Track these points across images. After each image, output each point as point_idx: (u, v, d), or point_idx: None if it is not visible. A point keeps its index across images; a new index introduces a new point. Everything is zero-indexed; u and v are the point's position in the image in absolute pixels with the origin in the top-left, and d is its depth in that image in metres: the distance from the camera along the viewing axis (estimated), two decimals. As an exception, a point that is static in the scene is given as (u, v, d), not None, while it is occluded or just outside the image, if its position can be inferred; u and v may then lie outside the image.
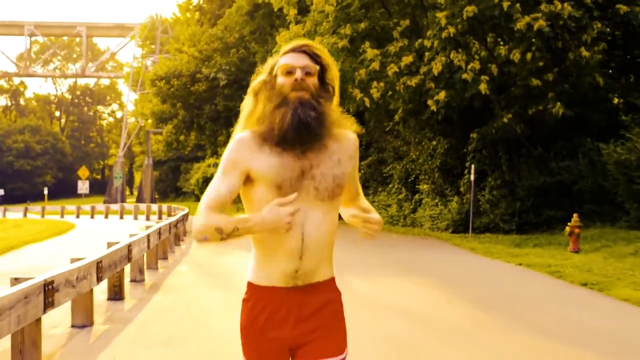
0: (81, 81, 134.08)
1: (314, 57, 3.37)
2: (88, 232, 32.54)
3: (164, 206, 48.80)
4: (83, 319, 9.85)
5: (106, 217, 49.66)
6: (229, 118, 46.94)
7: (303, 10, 33.65)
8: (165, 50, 79.47)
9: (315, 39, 27.71)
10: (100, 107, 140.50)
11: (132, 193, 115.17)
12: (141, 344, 8.90)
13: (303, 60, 3.32)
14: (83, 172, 64.06)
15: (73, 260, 9.49)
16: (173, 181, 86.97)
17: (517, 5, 24.04)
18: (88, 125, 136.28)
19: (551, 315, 10.79)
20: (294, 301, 3.33)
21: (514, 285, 14.16)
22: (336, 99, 3.41)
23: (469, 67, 24.49)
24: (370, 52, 26.11)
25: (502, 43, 25.78)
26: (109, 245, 12.16)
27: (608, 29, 24.96)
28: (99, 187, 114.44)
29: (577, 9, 23.94)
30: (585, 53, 24.35)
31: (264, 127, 3.26)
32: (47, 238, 28.23)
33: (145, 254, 15.14)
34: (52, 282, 7.74)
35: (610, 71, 27.50)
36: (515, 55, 24.40)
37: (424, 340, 9.11)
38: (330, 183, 3.29)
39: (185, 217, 27.49)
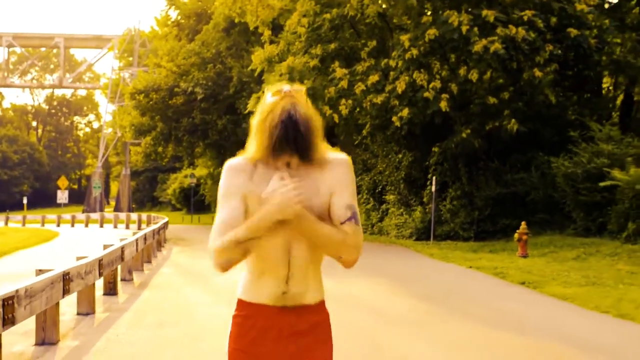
0: (58, 92, 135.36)
1: (293, 91, 3.37)
2: (72, 239, 34.12)
3: (144, 215, 50.33)
4: (87, 308, 11.62)
5: (86, 225, 51.14)
6: (206, 131, 48.68)
7: (277, 28, 35.49)
8: (143, 63, 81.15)
9: (288, 59, 29.64)
10: (77, 118, 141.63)
11: (108, 203, 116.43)
12: (138, 327, 10.68)
13: (286, 88, 3.36)
14: (62, 182, 65.45)
15: (79, 259, 11.23)
16: (150, 191, 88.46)
17: (475, 29, 25.95)
18: (65, 136, 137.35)
19: (489, 308, 12.63)
20: (284, 321, 3.38)
21: (460, 284, 16.06)
22: (320, 132, 3.37)
23: (431, 86, 26.41)
24: (339, 71, 27.92)
25: (461, 64, 27.67)
26: (105, 247, 13.92)
27: (560, 51, 26.93)
28: (76, 197, 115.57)
29: (530, 33, 25.93)
30: (538, 73, 26.35)
31: (256, 149, 3.32)
32: (35, 244, 29.80)
33: (133, 257, 16.85)
34: (68, 274, 9.52)
35: (563, 90, 29.50)
36: (474, 75, 26.35)
37: (375, 325, 10.95)
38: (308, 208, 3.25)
39: (165, 225, 29.18)
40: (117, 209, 79.96)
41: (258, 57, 32.07)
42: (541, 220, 26.31)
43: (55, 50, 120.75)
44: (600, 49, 28.17)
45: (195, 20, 52.71)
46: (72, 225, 51.85)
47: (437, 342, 9.70)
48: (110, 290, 13.86)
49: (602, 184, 22.90)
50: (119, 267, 15.13)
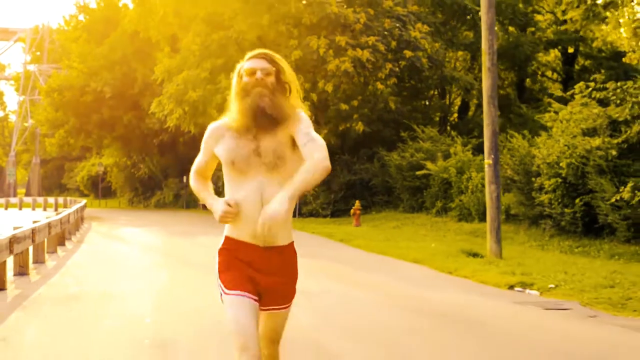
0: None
1: (271, 62, 4.28)
2: (9, 218, 40.21)
3: (60, 199, 56.35)
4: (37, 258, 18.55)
5: (6, 208, 56.65)
6: (113, 125, 55.22)
7: (176, 40, 42.24)
8: (52, 59, 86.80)
9: (184, 72, 36.68)
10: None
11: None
12: (89, 261, 17.70)
13: (262, 64, 4.25)
14: (-25, 170, 70.77)
15: (16, 228, 17.83)
16: (57, 178, 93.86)
17: (330, 51, 33.49)
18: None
19: (318, 254, 19.92)
20: (260, 257, 4.29)
21: (313, 249, 23.42)
22: (295, 93, 4.34)
23: (296, 95, 33.77)
24: (225, 82, 34.87)
25: (320, 78, 35.09)
26: (47, 217, 20.77)
27: (397, 69, 34.67)
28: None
29: (373, 55, 33.57)
30: (380, 86, 34.13)
31: (230, 117, 4.28)
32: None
33: (69, 224, 23.65)
34: (16, 236, 16.46)
35: (401, 99, 37.35)
36: (329, 87, 33.88)
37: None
38: (271, 157, 4.19)
39: (84, 206, 35.77)
40: (27, 194, 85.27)
41: (159, 69, 39.09)
42: (380, 200, 34.17)
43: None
44: (431, 66, 36.06)
45: (102, 25, 58.76)
46: (5, 208, 55.87)
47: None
48: (61, 244, 20.71)
49: (418, 172, 30.66)
50: (64, 229, 21.92)
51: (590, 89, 20.87)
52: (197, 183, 4.49)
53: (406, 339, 8.45)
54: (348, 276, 14.51)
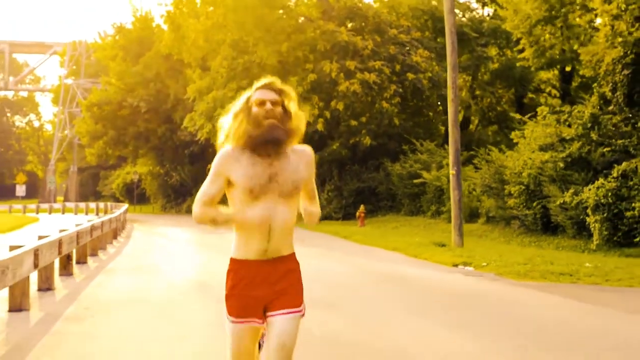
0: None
1: (278, 93, 4.54)
2: (57, 221, 45.20)
3: (101, 204, 61.46)
4: (124, 235, 23.38)
5: (50, 213, 61.73)
6: (148, 137, 60.37)
7: (206, 61, 47.09)
8: (88, 73, 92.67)
9: (213, 92, 41.58)
10: (17, 117, 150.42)
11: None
12: (140, 249, 22.49)
13: (270, 95, 4.49)
14: (21, 177, 76.28)
15: (77, 225, 22.81)
16: (93, 186, 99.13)
17: (341, 74, 38.28)
18: (7, 134, 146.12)
19: (318, 244, 24.56)
20: (265, 270, 4.50)
21: (319, 242, 27.88)
22: (295, 115, 4.59)
23: (311, 113, 38.54)
24: (249, 101, 39.79)
25: (332, 98, 39.82)
26: (93, 220, 25.66)
27: (401, 90, 39.40)
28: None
29: (380, 77, 38.32)
30: (385, 105, 38.84)
31: (243, 143, 4.43)
32: (29, 223, 40.94)
33: (118, 223, 28.52)
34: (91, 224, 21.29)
35: (405, 116, 42.04)
36: (340, 106, 38.65)
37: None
38: (290, 186, 4.45)
39: (126, 210, 40.71)
40: (65, 201, 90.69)
41: (191, 89, 44.18)
42: (385, 205, 38.90)
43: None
44: (432, 87, 40.74)
45: (138, 44, 63.97)
46: (49, 213, 61.32)
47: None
48: (116, 237, 25.55)
49: (416, 181, 35.31)
50: (117, 226, 26.72)
51: (544, 112, 25.53)
52: (211, 210, 4.50)
53: (363, 290, 13.18)
54: (335, 257, 19.36)
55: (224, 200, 4.47)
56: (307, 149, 4.69)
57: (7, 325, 9.53)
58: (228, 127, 4.53)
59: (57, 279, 14.13)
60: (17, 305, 10.48)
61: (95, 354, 7.97)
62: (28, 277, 10.70)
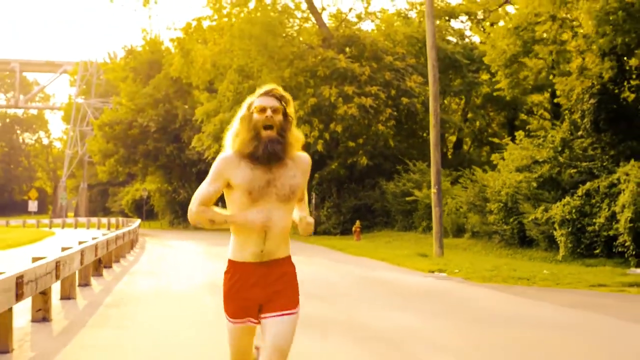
0: (9, 110, 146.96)
1: (280, 100, 4.61)
2: (72, 235, 47.81)
3: (112, 219, 64.08)
4: (136, 246, 26.03)
5: (62, 227, 64.40)
6: (157, 155, 63.11)
7: (213, 83, 49.78)
8: (98, 92, 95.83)
9: (219, 115, 44.30)
10: (27, 134, 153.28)
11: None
12: (155, 258, 25.14)
13: (271, 102, 4.57)
14: (33, 193, 79.08)
15: (94, 238, 25.45)
16: (102, 202, 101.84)
17: (340, 99, 41.00)
18: (17, 151, 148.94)
19: (314, 255, 27.15)
20: (261, 272, 4.63)
21: (316, 253, 30.61)
22: (293, 122, 4.65)
23: (312, 134, 41.27)
24: (253, 123, 42.44)
25: (331, 121, 42.51)
26: (113, 232, 28.29)
27: (396, 113, 42.09)
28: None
29: (376, 101, 41.04)
30: (381, 127, 41.55)
31: (243, 150, 4.53)
32: (47, 237, 43.49)
33: (131, 238, 31.10)
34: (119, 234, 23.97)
35: (400, 137, 44.74)
36: (339, 128, 41.35)
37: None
38: (287, 191, 4.57)
39: (139, 225, 43.27)
40: (76, 216, 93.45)
41: (199, 111, 47.08)
42: (380, 221, 41.56)
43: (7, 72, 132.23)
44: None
45: (147, 66, 66.84)
46: (62, 228, 64.29)
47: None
48: (132, 248, 28.16)
49: (408, 198, 37.94)
50: (132, 238, 29.31)
51: (521, 136, 28.24)
52: (208, 210, 4.62)
53: (349, 289, 15.85)
54: (326, 264, 22.07)
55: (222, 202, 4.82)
56: (305, 156, 4.76)
57: (62, 308, 12.17)
58: (235, 131, 4.69)
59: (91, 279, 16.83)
60: (67, 294, 13.13)
61: (130, 327, 10.54)
62: (75, 272, 13.34)
